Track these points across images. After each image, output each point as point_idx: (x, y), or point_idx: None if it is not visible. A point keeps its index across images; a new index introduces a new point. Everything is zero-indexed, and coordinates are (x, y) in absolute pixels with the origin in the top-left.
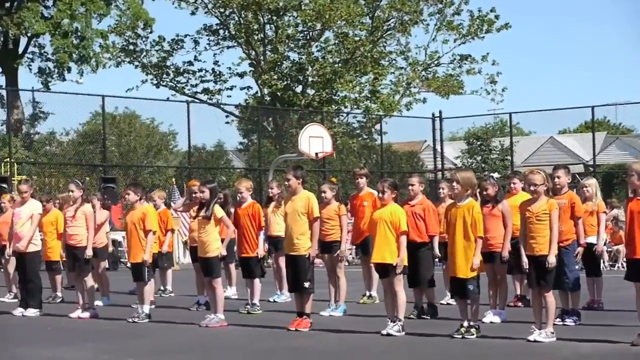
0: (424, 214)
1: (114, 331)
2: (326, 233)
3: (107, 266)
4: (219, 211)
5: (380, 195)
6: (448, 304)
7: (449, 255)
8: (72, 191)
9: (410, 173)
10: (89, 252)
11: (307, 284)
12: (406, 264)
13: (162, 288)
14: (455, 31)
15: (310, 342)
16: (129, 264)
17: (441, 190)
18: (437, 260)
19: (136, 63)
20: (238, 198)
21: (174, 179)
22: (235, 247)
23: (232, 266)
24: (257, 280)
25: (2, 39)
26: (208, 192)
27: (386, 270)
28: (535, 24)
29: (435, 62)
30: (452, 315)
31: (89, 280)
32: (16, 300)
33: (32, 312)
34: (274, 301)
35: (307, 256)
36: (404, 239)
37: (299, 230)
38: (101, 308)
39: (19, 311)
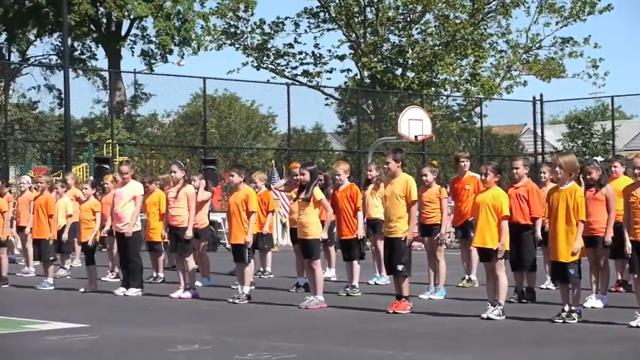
0: (527, 195)
1: (214, 312)
2: (427, 216)
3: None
4: (318, 193)
5: (483, 178)
6: (547, 288)
7: (550, 240)
8: (175, 172)
9: (509, 156)
10: (189, 233)
11: (400, 267)
12: (508, 249)
13: (261, 269)
14: (557, 13)
15: (409, 324)
16: (228, 245)
17: (542, 174)
18: (537, 244)
19: (237, 45)
20: (336, 180)
21: (273, 161)
22: (335, 229)
23: (332, 248)
24: (356, 263)
25: (105, 21)
26: (308, 174)
27: (488, 255)
28: (638, 5)
29: (537, 45)
30: (551, 300)
31: (190, 261)
32: (118, 280)
33: (133, 291)
34: (374, 283)
35: (403, 239)
36: (505, 223)
37: (397, 213)
38: (201, 289)
39: (120, 291)
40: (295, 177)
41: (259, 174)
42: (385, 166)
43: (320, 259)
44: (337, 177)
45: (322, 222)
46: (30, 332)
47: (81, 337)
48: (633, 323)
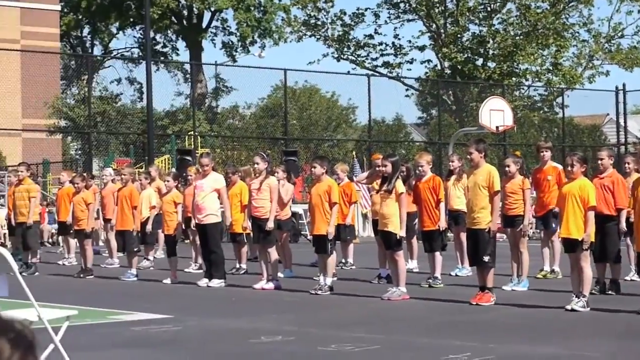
0: (612, 186)
1: (297, 303)
2: (510, 207)
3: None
4: (400, 186)
5: (569, 169)
6: (632, 280)
7: (635, 231)
8: (258, 163)
9: (592, 147)
10: (270, 224)
11: (486, 258)
12: (593, 240)
13: (343, 260)
14: (639, 2)
15: (492, 316)
16: (309, 237)
17: (627, 164)
18: (622, 235)
19: (317, 37)
20: (418, 172)
21: (354, 153)
22: (416, 220)
23: (414, 239)
24: (438, 254)
25: (186, 13)
26: (390, 165)
27: (573, 246)
28: None
29: (619, 34)
30: (636, 292)
31: (273, 252)
32: (201, 271)
33: (216, 282)
34: (455, 275)
35: (487, 230)
36: (591, 214)
37: (479, 204)
38: (283, 280)
39: (203, 282)
40: (377, 169)
41: (341, 166)
42: (468, 157)
43: (402, 250)
44: (419, 168)
45: (409, 214)
46: (116, 323)
47: (165, 328)
48: None
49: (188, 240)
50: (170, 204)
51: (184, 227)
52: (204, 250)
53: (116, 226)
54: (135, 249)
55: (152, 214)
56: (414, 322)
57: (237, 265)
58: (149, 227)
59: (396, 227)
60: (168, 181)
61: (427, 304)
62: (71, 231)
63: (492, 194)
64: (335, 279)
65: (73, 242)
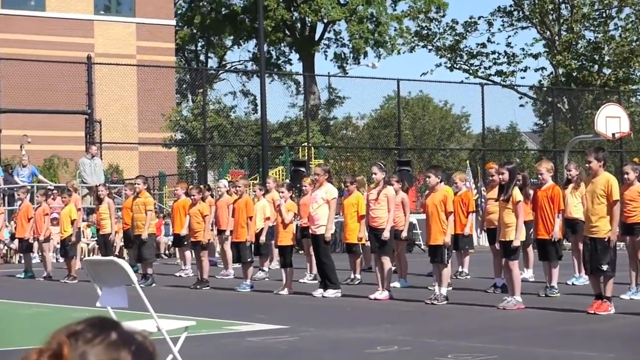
0: None
1: (412, 313)
2: (628, 215)
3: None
4: (517, 195)
5: None
6: None
7: None
8: (375, 174)
9: None
10: (386, 234)
11: (605, 267)
12: None
13: (459, 270)
14: None
15: (610, 325)
16: (423, 247)
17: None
18: None
19: (430, 47)
20: (538, 180)
21: (467, 161)
22: (532, 229)
23: (529, 248)
24: (554, 263)
25: (299, 26)
26: (507, 173)
27: None
28: None
29: None
30: None
31: (387, 262)
32: (316, 281)
33: (331, 293)
34: (572, 284)
35: (606, 239)
36: None
37: (598, 212)
38: (397, 290)
39: (318, 292)
40: (491, 178)
41: (459, 174)
42: (587, 165)
43: (517, 259)
44: (540, 175)
45: (527, 223)
46: (233, 333)
47: (282, 339)
48: None
49: (302, 251)
50: (287, 214)
51: (299, 237)
52: (316, 260)
53: (232, 237)
54: (250, 260)
55: (266, 225)
56: (530, 331)
57: (352, 276)
58: (262, 238)
59: (514, 235)
60: (282, 192)
61: (543, 314)
62: (186, 243)
63: (611, 202)
64: (450, 288)
65: (189, 253)
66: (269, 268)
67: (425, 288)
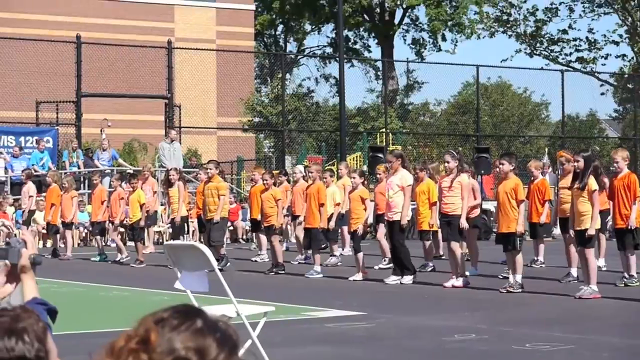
0: None
1: (488, 301)
2: None
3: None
4: (593, 183)
5: None
6: None
7: None
8: (448, 162)
9: None
10: (463, 222)
11: None
12: None
13: (534, 258)
14: None
15: None
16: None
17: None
18: None
19: (509, 33)
20: (613, 168)
21: (546, 149)
22: (608, 218)
23: (602, 236)
24: (630, 251)
25: (378, 11)
26: (582, 161)
27: None
28: None
29: None
30: None
31: (457, 249)
32: (390, 267)
33: (407, 279)
34: None
35: None
36: None
37: None
38: (471, 278)
39: (392, 279)
40: (561, 166)
41: (534, 163)
42: None
43: (594, 247)
44: (615, 164)
45: (601, 212)
46: (310, 319)
47: (359, 325)
48: None
49: (376, 237)
50: (357, 200)
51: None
52: (392, 246)
53: (304, 223)
54: (323, 246)
55: (336, 210)
56: (608, 321)
57: (425, 262)
58: (332, 224)
59: (590, 224)
60: (354, 178)
61: (621, 303)
62: (262, 228)
63: None
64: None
65: (264, 238)
66: (341, 254)
67: (495, 277)
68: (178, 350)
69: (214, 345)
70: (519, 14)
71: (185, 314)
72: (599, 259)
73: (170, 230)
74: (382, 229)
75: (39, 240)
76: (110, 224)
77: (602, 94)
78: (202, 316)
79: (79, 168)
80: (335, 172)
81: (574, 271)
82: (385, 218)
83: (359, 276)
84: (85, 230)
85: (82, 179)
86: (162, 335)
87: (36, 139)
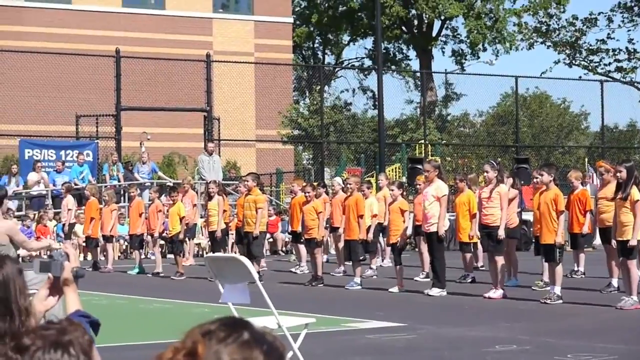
0: None
1: (528, 312)
2: None
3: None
4: (635, 193)
5: None
6: None
7: None
8: (487, 172)
9: None
10: (501, 232)
11: None
12: None
13: (574, 269)
14: None
15: None
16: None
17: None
18: None
19: (548, 43)
20: None
21: (585, 159)
22: None
23: None
24: None
25: (416, 22)
26: (625, 171)
27: None
28: None
29: None
30: None
31: (500, 260)
32: (428, 279)
33: (436, 291)
34: None
35: None
36: None
37: None
38: (509, 289)
39: (434, 291)
40: (601, 176)
41: (574, 173)
42: None
43: (636, 258)
44: None
45: None
46: (351, 331)
47: (399, 336)
48: None
49: (417, 249)
50: (397, 212)
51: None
52: (431, 258)
53: (344, 235)
54: (361, 257)
55: (374, 222)
56: None
57: (465, 274)
58: (370, 236)
59: (632, 235)
60: (392, 190)
61: None
62: (302, 240)
63: None
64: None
65: (304, 250)
66: (381, 265)
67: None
68: None
69: (261, 357)
70: (558, 24)
71: (232, 326)
72: None
73: (210, 243)
74: (422, 241)
75: (79, 253)
76: (149, 237)
77: None
78: (249, 328)
79: (119, 181)
80: (375, 184)
81: (614, 282)
82: (423, 230)
83: (395, 289)
84: (125, 243)
85: (122, 192)
86: (210, 348)
87: (76, 153)
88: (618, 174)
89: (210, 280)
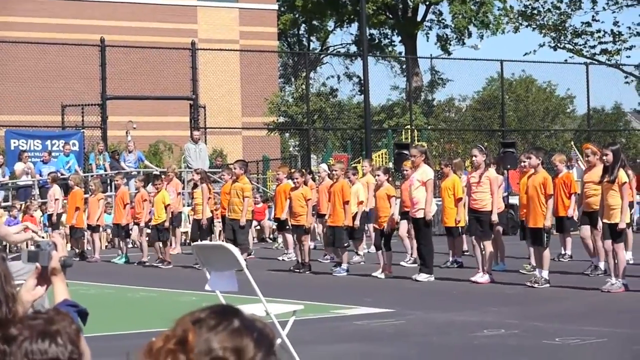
0: None
1: (516, 295)
2: None
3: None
4: (623, 176)
5: None
6: None
7: None
8: (476, 156)
9: None
10: (494, 217)
11: None
12: None
13: (561, 252)
14: None
15: None
16: None
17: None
18: None
19: (533, 26)
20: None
21: (572, 143)
22: (633, 210)
23: (629, 230)
24: None
25: (401, 7)
26: (611, 154)
27: None
28: None
29: None
30: None
31: (488, 245)
32: (415, 265)
33: (424, 277)
34: None
35: None
36: None
37: None
38: (497, 273)
39: (423, 277)
40: (586, 159)
41: (558, 156)
42: None
43: (623, 242)
44: None
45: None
46: (339, 317)
47: (388, 322)
48: None
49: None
50: (383, 198)
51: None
52: (418, 243)
53: (328, 221)
54: (346, 245)
55: (360, 209)
56: (637, 314)
57: (451, 258)
58: (357, 222)
59: (620, 217)
60: (379, 175)
61: None
62: (288, 227)
63: None
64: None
65: (291, 237)
66: (368, 251)
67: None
68: (216, 350)
69: (251, 345)
70: (543, 7)
71: (222, 314)
72: (626, 252)
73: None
74: (404, 226)
75: (67, 242)
76: (135, 226)
77: (626, 83)
78: (239, 316)
79: (105, 170)
80: (360, 170)
81: (602, 264)
82: (410, 215)
83: (381, 274)
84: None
85: (108, 182)
86: (200, 336)
87: (62, 143)
88: (604, 157)
89: (197, 269)
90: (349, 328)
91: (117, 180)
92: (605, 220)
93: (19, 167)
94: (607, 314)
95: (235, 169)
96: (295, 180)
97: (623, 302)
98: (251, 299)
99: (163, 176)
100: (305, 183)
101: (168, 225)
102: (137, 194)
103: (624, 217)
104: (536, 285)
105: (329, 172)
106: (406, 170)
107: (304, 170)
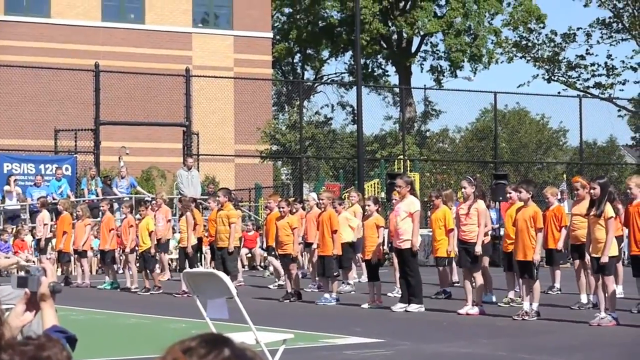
0: None
1: (506, 328)
2: None
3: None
4: (609, 210)
5: None
6: None
7: None
8: (465, 188)
9: None
10: (478, 249)
11: None
12: None
13: (551, 285)
14: None
15: None
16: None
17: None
18: None
19: (527, 58)
20: (628, 195)
21: (564, 175)
22: (622, 244)
23: (619, 264)
24: None
25: (395, 38)
26: (599, 188)
27: None
28: None
29: None
30: None
31: (479, 277)
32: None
33: (414, 307)
34: None
35: None
36: None
37: None
38: (486, 305)
39: (399, 307)
40: (575, 192)
41: (550, 189)
42: None
43: (612, 274)
44: (628, 190)
45: (615, 238)
46: (329, 346)
47: (378, 352)
48: None
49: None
50: (372, 228)
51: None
52: (402, 273)
53: (318, 251)
54: (335, 274)
55: (356, 233)
56: (627, 348)
57: (440, 289)
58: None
59: (611, 250)
60: (369, 205)
61: (639, 330)
62: (274, 254)
63: None
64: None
65: (279, 264)
66: (359, 281)
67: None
68: None
69: None
70: (537, 40)
71: (212, 343)
72: (617, 286)
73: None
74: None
75: (57, 268)
76: (122, 252)
77: (620, 116)
78: (230, 345)
79: (97, 196)
80: (348, 201)
81: (584, 297)
82: (394, 246)
83: (366, 305)
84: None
85: (99, 207)
86: None
87: (55, 167)
88: (592, 191)
89: (175, 296)
90: (338, 357)
91: (102, 207)
92: (593, 254)
93: (6, 189)
94: (597, 347)
95: (219, 197)
96: (282, 210)
97: (613, 336)
98: (241, 327)
99: (153, 202)
100: (292, 212)
101: (154, 252)
102: (124, 219)
103: (606, 251)
104: (526, 317)
105: (318, 201)
106: (395, 200)
107: (291, 200)
